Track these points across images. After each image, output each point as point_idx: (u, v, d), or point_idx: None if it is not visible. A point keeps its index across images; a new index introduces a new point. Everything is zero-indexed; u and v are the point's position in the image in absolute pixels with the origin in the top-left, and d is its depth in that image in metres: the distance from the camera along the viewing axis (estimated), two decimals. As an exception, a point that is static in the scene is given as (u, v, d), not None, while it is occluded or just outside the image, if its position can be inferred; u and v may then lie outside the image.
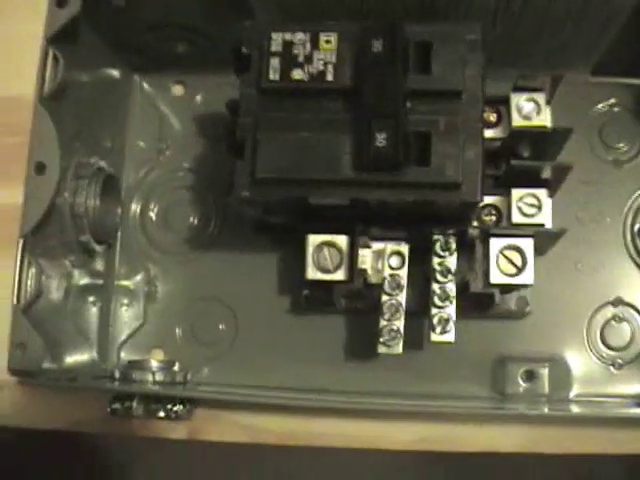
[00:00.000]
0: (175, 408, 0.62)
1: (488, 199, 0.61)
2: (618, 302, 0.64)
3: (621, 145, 0.66)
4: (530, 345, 0.64)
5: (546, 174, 0.59)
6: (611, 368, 0.63)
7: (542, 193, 0.60)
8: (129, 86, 0.69)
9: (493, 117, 0.61)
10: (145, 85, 0.69)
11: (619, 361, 0.64)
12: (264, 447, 0.65)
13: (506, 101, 0.60)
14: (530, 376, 0.63)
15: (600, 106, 0.66)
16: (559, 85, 0.60)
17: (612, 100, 0.66)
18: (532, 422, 0.62)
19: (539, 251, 0.61)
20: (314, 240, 0.60)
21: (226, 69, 0.56)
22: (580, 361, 0.64)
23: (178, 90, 0.69)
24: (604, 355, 0.64)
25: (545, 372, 0.63)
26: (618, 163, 0.65)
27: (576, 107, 0.65)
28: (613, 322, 0.64)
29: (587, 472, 0.66)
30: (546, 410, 0.61)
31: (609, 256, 0.64)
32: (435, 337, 0.58)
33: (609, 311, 0.64)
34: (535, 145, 0.59)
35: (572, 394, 0.63)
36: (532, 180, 0.60)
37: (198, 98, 0.68)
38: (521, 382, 0.63)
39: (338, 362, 0.65)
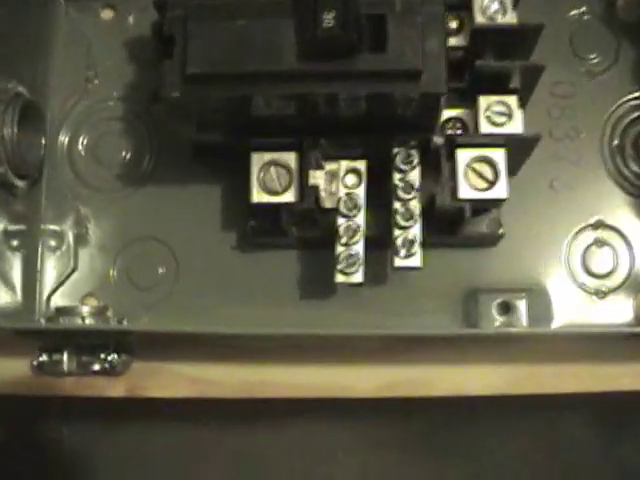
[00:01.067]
0: (110, 357, 0.53)
1: (452, 112, 0.52)
2: (599, 225, 0.55)
3: (593, 56, 0.57)
4: (504, 274, 0.55)
5: (515, 80, 0.51)
6: (594, 297, 0.55)
7: (512, 99, 0.51)
8: (53, 11, 0.59)
9: (455, 23, 0.53)
10: (71, 10, 0.60)
11: (603, 289, 0.55)
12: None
13: (468, 6, 0.52)
14: (505, 308, 0.54)
15: (570, 14, 0.58)
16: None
17: (583, 8, 0.58)
18: (507, 361, 0.54)
19: (510, 170, 0.51)
20: (259, 159, 0.51)
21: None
22: (560, 290, 0.55)
23: (107, 14, 0.60)
24: (586, 283, 0.55)
25: (522, 304, 0.54)
26: (591, 74, 0.57)
27: (544, 15, 0.55)
28: (594, 247, 0.55)
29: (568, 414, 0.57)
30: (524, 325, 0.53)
31: (586, 175, 0.56)
32: (399, 262, 0.50)
33: (590, 235, 0.55)
34: (501, 48, 0.50)
35: (553, 326, 0.55)
36: (500, 87, 0.51)
37: (129, 21, 0.59)
38: (496, 315, 0.54)
39: (292, 302, 0.56)
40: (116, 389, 0.56)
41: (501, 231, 0.53)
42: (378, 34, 0.43)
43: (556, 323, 0.54)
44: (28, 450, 0.60)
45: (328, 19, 0.42)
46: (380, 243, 0.53)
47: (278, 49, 0.44)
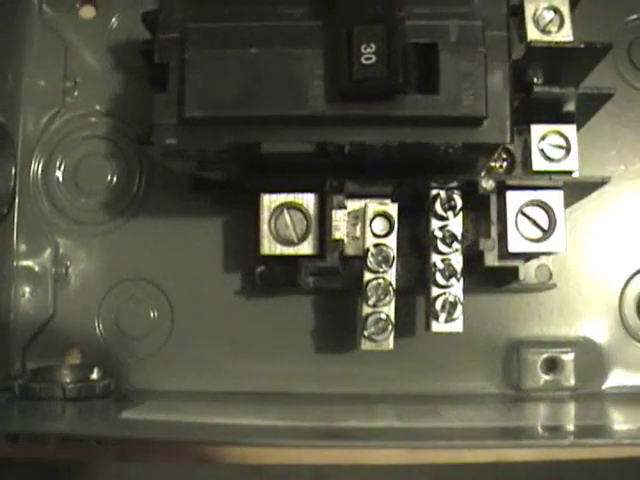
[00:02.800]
0: (98, 437, 0.42)
1: (496, 140, 0.41)
2: (657, 266, 0.45)
3: (652, 66, 0.46)
4: (551, 326, 0.44)
5: (570, 105, 0.40)
6: (652, 349, 0.44)
7: (570, 130, 0.40)
8: (25, 9, 0.46)
9: (499, 33, 0.41)
10: (45, 7, 0.46)
11: (662, 342, 0.44)
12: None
13: (516, 12, 0.40)
14: (552, 365, 0.43)
15: (630, 19, 0.46)
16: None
17: (644, 13, 0.46)
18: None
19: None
20: (270, 201, 0.39)
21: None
22: (614, 344, 0.44)
23: (87, 12, 0.47)
24: (643, 334, 0.44)
25: (570, 359, 0.43)
26: (652, 89, 0.46)
27: (600, 21, 0.44)
28: (651, 293, 0.45)
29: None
30: (569, 440, 0.38)
31: (644, 211, 0.45)
32: (438, 327, 0.39)
33: (645, 280, 0.45)
34: (555, 69, 0.39)
35: (605, 386, 0.44)
36: (551, 115, 0.40)
37: (113, 21, 0.46)
38: (541, 373, 0.43)
39: (305, 357, 0.44)
40: (107, 455, 0.44)
41: (552, 281, 0.42)
42: (428, 70, 0.32)
43: (609, 381, 0.44)
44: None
45: (367, 54, 0.30)
46: (410, 291, 0.42)
47: (302, 87, 0.32)
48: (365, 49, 0.30)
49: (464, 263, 0.39)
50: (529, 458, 0.40)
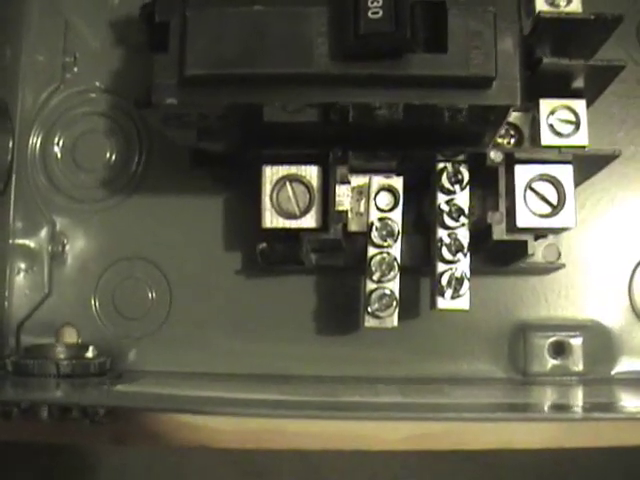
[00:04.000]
0: (90, 409, 0.40)
1: (503, 116, 0.40)
2: (671, 250, 0.43)
3: (662, 48, 0.45)
4: (558, 309, 0.43)
5: (580, 80, 0.39)
6: (663, 335, 0.43)
7: (580, 105, 0.39)
8: (24, -15, 0.46)
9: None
10: (45, -18, 0.46)
11: (673, 325, 0.43)
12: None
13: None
14: (559, 349, 0.42)
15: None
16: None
17: (651, -7, 0.45)
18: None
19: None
20: (272, 173, 0.38)
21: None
22: (623, 327, 0.42)
23: (88, -14, 0.46)
24: (653, 319, 0.43)
25: (578, 343, 0.42)
26: (660, 70, 0.44)
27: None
28: (662, 275, 0.43)
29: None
30: (578, 412, 0.38)
31: (655, 190, 0.44)
32: (444, 303, 0.37)
33: (657, 262, 0.43)
34: (565, 42, 0.37)
35: (614, 371, 0.42)
36: (560, 91, 0.39)
37: (113, -4, 0.46)
38: (548, 357, 0.42)
39: (307, 338, 0.43)
40: (100, 438, 0.43)
41: (560, 261, 0.41)
42: (436, 29, 0.30)
43: (618, 366, 0.42)
44: None
45: (374, 8, 0.29)
46: (412, 271, 0.41)
47: (307, 45, 0.30)
48: (372, 3, 0.29)
49: (470, 242, 0.38)
50: (538, 437, 0.39)
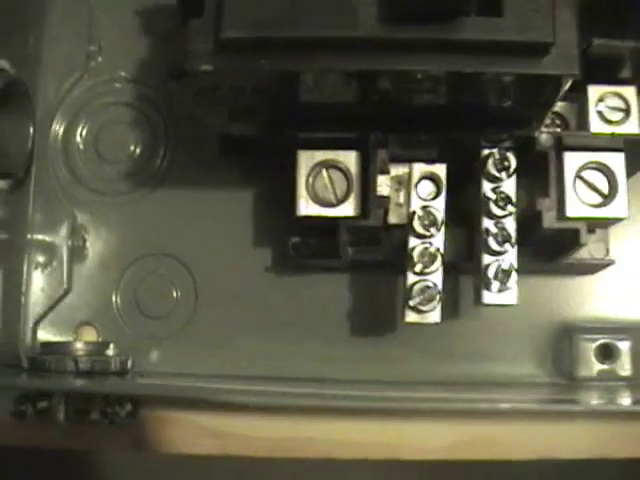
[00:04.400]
0: (110, 410, 0.38)
1: (549, 105, 0.39)
2: None
3: None
4: (607, 310, 0.41)
5: (629, 67, 0.37)
6: None
7: (630, 92, 0.37)
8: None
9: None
10: (70, -30, 0.45)
11: None
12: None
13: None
14: (607, 353, 0.40)
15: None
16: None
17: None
18: (609, 417, 0.40)
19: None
20: (308, 159, 0.36)
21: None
22: (674, 331, 0.41)
23: (114, -25, 0.45)
24: None
25: (627, 347, 0.40)
26: None
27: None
28: None
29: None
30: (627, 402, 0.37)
31: None
32: (490, 297, 0.35)
33: None
34: (615, 23, 0.36)
35: (664, 377, 0.40)
36: (611, 75, 0.37)
37: (141, -16, 0.44)
38: (595, 361, 0.40)
39: (341, 339, 0.41)
40: (119, 442, 0.41)
41: (609, 257, 0.39)
42: (491, -9, 0.29)
43: (668, 373, 0.40)
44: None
45: (427, -35, 0.27)
46: (453, 268, 0.39)
47: (351, 8, 0.29)
48: (424, -41, 0.28)
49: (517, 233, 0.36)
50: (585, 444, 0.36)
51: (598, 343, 0.40)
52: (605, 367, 0.40)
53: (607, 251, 0.39)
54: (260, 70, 0.30)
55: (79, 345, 0.39)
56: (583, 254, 0.39)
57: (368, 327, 0.41)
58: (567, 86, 0.31)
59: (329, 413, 0.39)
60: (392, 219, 0.37)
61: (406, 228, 0.37)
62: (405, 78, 0.31)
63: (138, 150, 0.43)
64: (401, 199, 0.37)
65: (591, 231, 0.39)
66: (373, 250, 0.38)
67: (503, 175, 0.35)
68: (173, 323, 0.42)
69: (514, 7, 0.28)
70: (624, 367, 0.40)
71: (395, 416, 0.39)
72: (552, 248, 0.38)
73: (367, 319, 0.41)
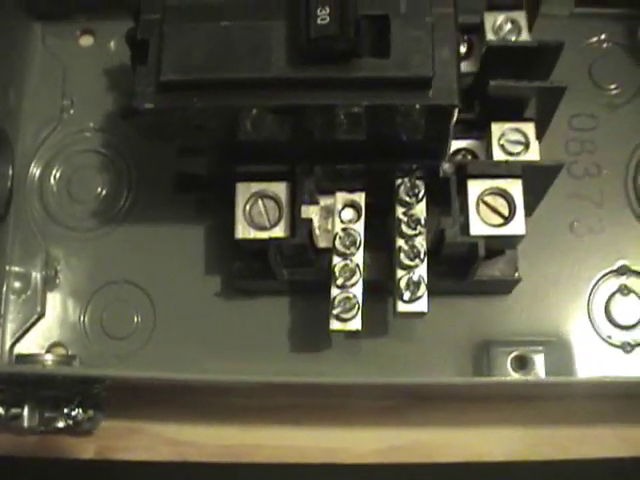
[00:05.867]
0: (74, 413, 0.44)
1: (461, 143, 0.45)
2: (624, 271, 0.47)
3: (614, 86, 0.49)
4: (519, 325, 0.47)
5: (531, 106, 0.43)
6: (620, 351, 0.46)
7: (529, 127, 0.43)
8: (29, 35, 0.52)
9: (464, 47, 0.45)
10: (48, 35, 0.52)
11: (630, 342, 0.46)
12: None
13: (478, 28, 0.44)
14: (522, 363, 0.45)
15: (589, 41, 0.50)
16: (541, 5, 0.46)
17: (603, 35, 0.50)
18: (525, 423, 0.45)
19: (526, 210, 0.43)
20: (245, 190, 0.43)
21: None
22: (582, 343, 0.46)
23: (86, 40, 0.52)
24: (611, 335, 0.46)
25: (540, 358, 0.45)
26: (612, 106, 0.49)
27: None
28: (619, 295, 0.47)
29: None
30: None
31: (610, 216, 0.48)
32: (403, 306, 0.41)
33: (614, 282, 0.47)
34: (516, 72, 0.42)
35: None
36: (515, 115, 0.44)
37: (109, 48, 0.51)
38: (511, 371, 0.45)
39: (282, 354, 0.47)
40: (84, 450, 0.47)
41: (517, 275, 0.45)
42: (380, 37, 0.36)
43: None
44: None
45: (323, 15, 0.34)
46: (379, 288, 0.45)
47: (267, 53, 0.36)
48: (320, 12, 0.35)
49: (429, 254, 0.42)
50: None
51: (513, 354, 0.46)
52: (519, 376, 0.46)
53: (515, 269, 0.45)
54: (193, 107, 0.37)
55: (49, 357, 0.45)
56: (495, 273, 0.45)
57: (306, 343, 0.47)
58: (455, 116, 0.38)
59: (274, 421, 0.46)
60: (321, 243, 0.44)
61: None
62: (322, 114, 0.38)
63: (104, 192, 0.50)
64: (329, 226, 0.44)
65: (500, 252, 0.45)
66: (307, 272, 0.45)
67: (413, 200, 0.42)
68: (134, 343, 0.48)
69: (399, 49, 0.35)
70: (538, 377, 0.46)
71: (333, 423, 0.45)
72: (462, 266, 0.44)
73: (304, 336, 0.47)
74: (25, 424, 0.44)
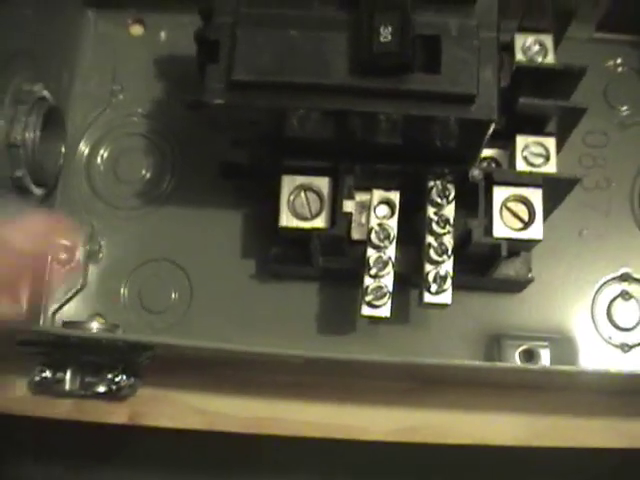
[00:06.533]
0: (117, 379, 0.48)
1: (486, 151, 0.50)
2: (626, 277, 0.52)
3: (626, 107, 0.55)
4: (529, 321, 0.52)
5: (552, 123, 0.48)
6: (619, 350, 0.51)
7: (550, 142, 0.48)
8: (83, 22, 0.56)
9: (494, 63, 0.50)
10: (100, 23, 0.56)
11: (628, 343, 0.52)
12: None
13: (508, 47, 0.49)
14: (529, 356, 0.51)
15: (606, 64, 0.55)
16: (567, 29, 0.50)
17: (619, 59, 0.55)
18: (528, 410, 0.50)
19: (541, 215, 0.49)
20: (290, 182, 0.47)
21: (192, 7, 0.45)
22: (584, 341, 0.51)
23: (136, 30, 0.56)
24: (611, 336, 0.51)
25: (546, 352, 0.51)
26: (623, 126, 0.54)
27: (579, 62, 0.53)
28: (620, 299, 0.52)
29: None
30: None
31: (616, 226, 0.53)
32: (429, 297, 0.46)
33: (616, 287, 0.52)
34: (541, 90, 0.47)
35: (575, 377, 0.51)
36: (538, 129, 0.49)
37: (159, 38, 0.56)
38: (518, 362, 0.51)
39: (309, 336, 0.52)
40: (118, 415, 0.51)
41: (530, 275, 0.50)
42: (432, 56, 0.40)
43: (580, 372, 0.51)
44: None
45: (385, 34, 0.39)
46: (404, 280, 0.49)
47: (328, 62, 0.40)
48: (383, 30, 0.39)
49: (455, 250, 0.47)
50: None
51: (521, 348, 0.51)
52: (527, 366, 0.51)
53: (529, 269, 0.50)
54: (259, 106, 0.41)
55: (94, 324, 0.49)
56: (510, 273, 0.50)
57: (332, 327, 0.52)
58: (491, 129, 0.42)
59: (297, 397, 0.50)
60: (355, 235, 0.48)
61: (366, 242, 0.48)
62: (370, 119, 0.43)
63: (148, 174, 0.54)
64: (363, 220, 0.48)
65: (516, 254, 0.50)
66: (340, 260, 0.50)
67: (444, 202, 0.47)
68: (170, 318, 0.53)
69: (448, 67, 0.40)
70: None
71: (352, 402, 0.50)
72: (483, 264, 0.49)
73: (331, 320, 0.52)
74: (67, 387, 0.49)
